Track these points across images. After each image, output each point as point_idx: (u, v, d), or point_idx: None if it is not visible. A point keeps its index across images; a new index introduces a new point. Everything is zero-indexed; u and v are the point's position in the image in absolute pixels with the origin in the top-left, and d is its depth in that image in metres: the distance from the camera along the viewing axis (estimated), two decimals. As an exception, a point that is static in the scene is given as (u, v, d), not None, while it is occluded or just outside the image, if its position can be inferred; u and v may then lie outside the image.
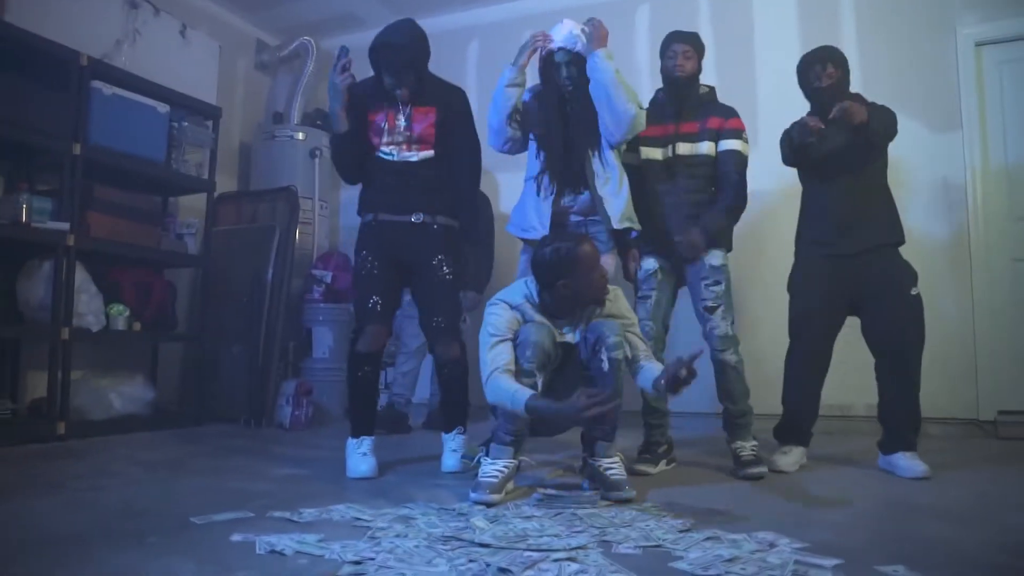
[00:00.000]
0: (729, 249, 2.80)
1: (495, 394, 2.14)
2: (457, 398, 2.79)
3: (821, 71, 2.73)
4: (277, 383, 4.08)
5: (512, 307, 2.28)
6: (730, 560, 1.51)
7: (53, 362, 3.26)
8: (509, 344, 2.22)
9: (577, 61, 2.64)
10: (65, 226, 3.29)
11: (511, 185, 3.97)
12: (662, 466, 2.70)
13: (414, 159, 2.68)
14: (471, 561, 1.49)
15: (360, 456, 2.60)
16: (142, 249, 3.77)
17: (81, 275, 3.44)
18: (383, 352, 2.74)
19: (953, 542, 1.71)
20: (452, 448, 2.72)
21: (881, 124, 2.60)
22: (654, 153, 2.80)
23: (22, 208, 3.19)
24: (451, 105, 2.73)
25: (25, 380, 3.54)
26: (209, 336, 4.14)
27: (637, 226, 2.68)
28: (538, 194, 2.68)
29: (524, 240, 2.74)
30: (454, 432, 2.74)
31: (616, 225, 2.62)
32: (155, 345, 4.13)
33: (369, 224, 2.72)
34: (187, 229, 3.99)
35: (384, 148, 2.68)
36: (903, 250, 2.73)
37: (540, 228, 2.63)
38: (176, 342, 4.27)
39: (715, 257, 2.71)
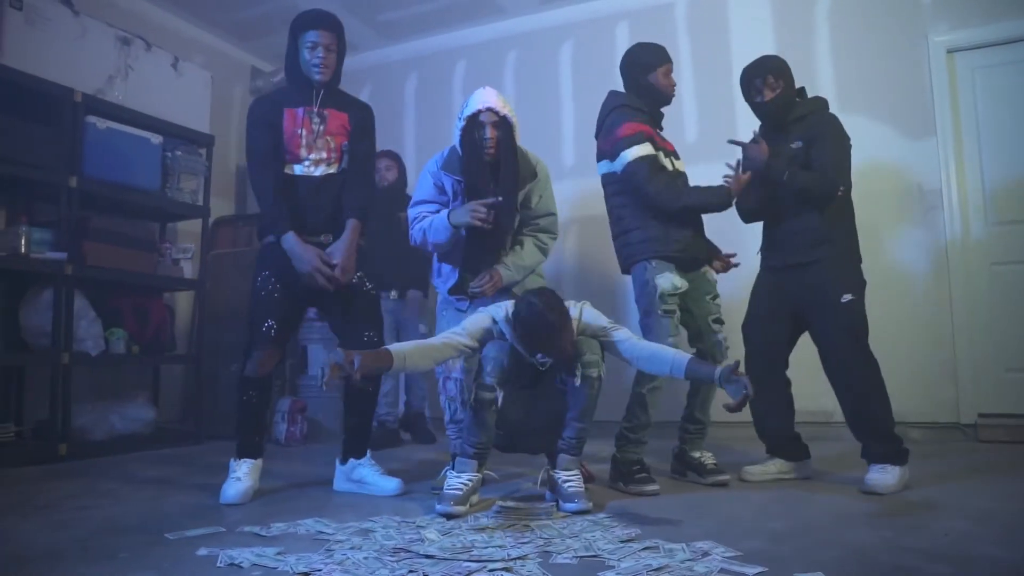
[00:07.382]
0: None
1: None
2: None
3: (761, 85, 2.70)
4: (273, 400, 4.20)
5: (494, 320, 2.33)
6: (658, 569, 1.58)
7: (54, 386, 3.39)
8: (458, 343, 2.28)
9: (502, 124, 2.54)
10: (63, 256, 3.44)
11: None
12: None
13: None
14: (411, 572, 1.58)
15: (233, 480, 2.52)
16: (138, 275, 3.90)
17: (80, 302, 3.59)
18: (272, 376, 2.67)
19: (875, 548, 1.76)
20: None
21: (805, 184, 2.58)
22: (679, 165, 2.79)
23: (22, 239, 3.36)
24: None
25: (29, 404, 3.68)
26: (207, 356, 4.27)
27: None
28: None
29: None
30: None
31: None
32: (156, 366, 4.27)
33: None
34: (183, 254, 4.12)
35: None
36: (868, 259, 2.71)
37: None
38: (176, 363, 4.40)
39: (712, 273, 2.82)
